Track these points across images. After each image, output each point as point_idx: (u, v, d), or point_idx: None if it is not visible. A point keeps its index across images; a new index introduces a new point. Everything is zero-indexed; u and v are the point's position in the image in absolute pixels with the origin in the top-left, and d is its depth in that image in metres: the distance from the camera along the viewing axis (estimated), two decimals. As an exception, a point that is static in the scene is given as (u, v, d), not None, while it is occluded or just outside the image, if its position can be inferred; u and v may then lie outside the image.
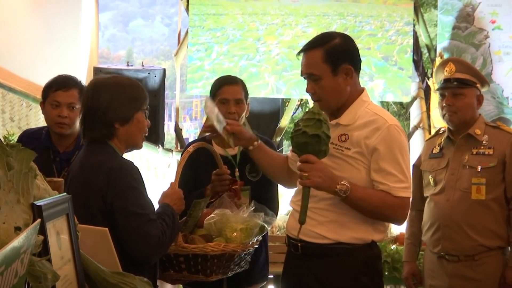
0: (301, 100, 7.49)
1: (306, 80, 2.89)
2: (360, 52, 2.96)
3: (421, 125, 6.30)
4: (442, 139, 3.66)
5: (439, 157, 3.63)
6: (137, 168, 2.63)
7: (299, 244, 2.88)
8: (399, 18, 6.38)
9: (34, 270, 1.24)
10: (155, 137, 6.06)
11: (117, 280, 1.75)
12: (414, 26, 6.41)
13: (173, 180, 2.82)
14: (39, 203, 1.38)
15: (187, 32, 6.46)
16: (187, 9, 6.46)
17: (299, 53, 2.93)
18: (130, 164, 2.62)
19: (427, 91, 6.43)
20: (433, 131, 4.84)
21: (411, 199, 2.87)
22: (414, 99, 6.42)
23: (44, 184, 1.53)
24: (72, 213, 1.64)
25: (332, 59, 2.81)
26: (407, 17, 6.39)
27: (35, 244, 1.23)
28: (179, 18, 6.81)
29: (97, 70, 6.37)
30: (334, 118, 2.87)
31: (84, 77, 6.32)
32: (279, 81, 6.44)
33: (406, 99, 6.52)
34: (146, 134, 2.81)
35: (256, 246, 3.00)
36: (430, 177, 3.64)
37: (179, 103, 6.97)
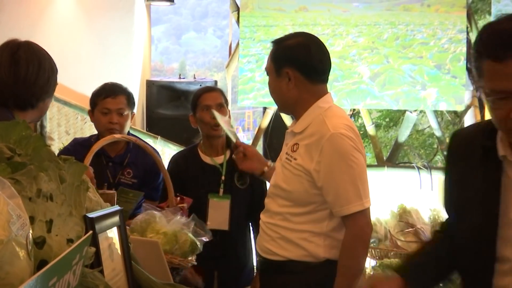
0: (353, 110, 7.43)
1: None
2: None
3: (475, 134, 6.19)
4: None
5: None
6: None
7: (258, 259, 2.79)
8: (451, 26, 6.28)
9: (86, 281, 1.25)
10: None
11: (168, 291, 1.77)
12: (467, 33, 6.32)
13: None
14: (91, 215, 1.40)
15: (238, 44, 6.49)
16: (237, 21, 6.50)
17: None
18: None
19: (481, 99, 6.31)
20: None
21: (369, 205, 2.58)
22: (468, 107, 6.30)
23: (96, 196, 1.55)
24: (124, 225, 1.66)
25: (276, 59, 2.70)
26: (460, 25, 6.29)
27: (87, 255, 1.25)
28: (230, 30, 6.86)
29: (149, 83, 6.45)
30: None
31: (137, 90, 6.41)
32: (330, 91, 6.34)
33: (460, 108, 6.41)
34: None
35: (187, 265, 2.53)
36: None
37: (231, 114, 7.00)
